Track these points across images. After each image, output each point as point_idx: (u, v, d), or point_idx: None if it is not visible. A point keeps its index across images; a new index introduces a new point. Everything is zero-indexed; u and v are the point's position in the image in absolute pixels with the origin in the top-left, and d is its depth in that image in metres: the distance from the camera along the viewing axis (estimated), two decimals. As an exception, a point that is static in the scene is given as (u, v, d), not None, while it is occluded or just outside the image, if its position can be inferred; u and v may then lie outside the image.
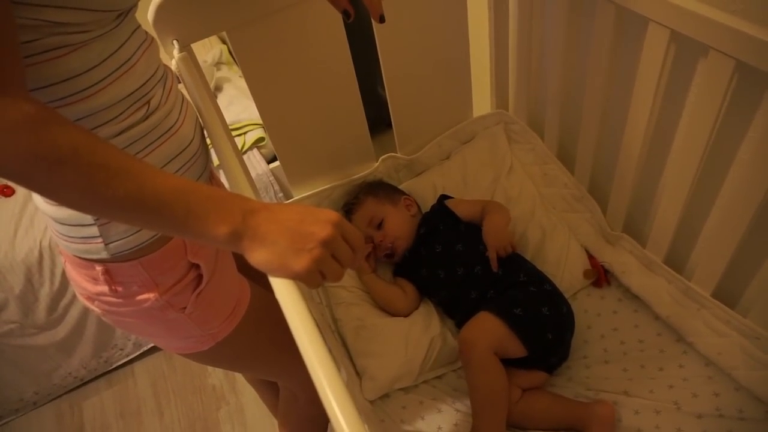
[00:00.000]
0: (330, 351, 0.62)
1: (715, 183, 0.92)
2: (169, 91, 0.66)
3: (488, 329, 0.95)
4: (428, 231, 1.14)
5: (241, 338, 0.77)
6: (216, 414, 1.59)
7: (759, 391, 0.89)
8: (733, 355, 0.93)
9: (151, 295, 0.66)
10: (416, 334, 1.06)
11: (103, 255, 0.63)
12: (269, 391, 1.17)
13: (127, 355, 1.72)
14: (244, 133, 1.67)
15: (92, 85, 0.55)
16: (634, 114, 0.96)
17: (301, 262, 0.51)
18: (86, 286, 0.68)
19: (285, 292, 0.53)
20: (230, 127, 1.68)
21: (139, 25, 0.64)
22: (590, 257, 1.15)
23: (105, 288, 0.66)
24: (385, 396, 1.03)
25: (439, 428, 0.98)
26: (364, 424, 0.44)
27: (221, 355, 0.78)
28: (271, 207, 0.53)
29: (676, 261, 1.06)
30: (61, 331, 1.58)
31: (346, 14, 0.83)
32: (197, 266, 0.69)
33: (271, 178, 1.62)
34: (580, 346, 1.05)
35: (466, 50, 1.25)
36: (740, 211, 0.85)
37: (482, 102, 1.39)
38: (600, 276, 1.12)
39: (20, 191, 1.68)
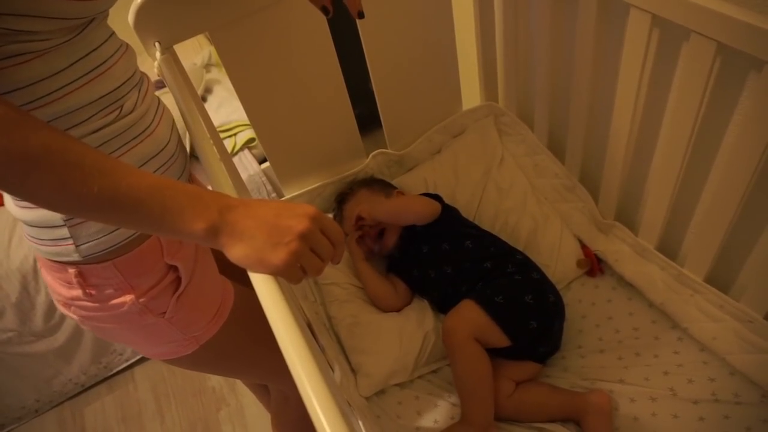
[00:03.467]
0: (315, 347, 0.61)
1: (703, 167, 0.91)
2: (145, 95, 0.66)
3: (468, 317, 0.95)
4: (412, 231, 1.13)
5: (226, 339, 0.76)
6: (216, 415, 1.59)
7: (754, 375, 0.89)
8: (727, 339, 0.93)
9: (127, 299, 0.65)
10: (410, 329, 1.06)
11: (75, 257, 0.62)
12: (266, 392, 1.17)
13: (127, 360, 1.72)
14: (235, 134, 1.67)
15: (59, 89, 0.54)
16: (620, 101, 0.95)
17: (279, 256, 0.51)
18: (61, 291, 0.67)
19: (264, 289, 0.53)
20: (221, 129, 1.68)
21: (114, 32, 0.63)
22: (583, 246, 1.15)
23: (79, 292, 0.65)
24: (381, 392, 1.03)
25: (436, 422, 0.98)
26: (344, 421, 0.44)
27: (206, 358, 0.77)
28: (249, 202, 0.53)
29: (669, 247, 1.05)
30: (60, 337, 1.58)
31: (324, 10, 0.82)
32: (175, 269, 0.68)
33: (263, 178, 1.62)
34: (575, 335, 1.05)
35: (453, 43, 1.25)
36: (729, 195, 0.84)
37: (472, 95, 1.39)
38: (593, 265, 1.12)
39: (14, 200, 1.69)
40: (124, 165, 0.49)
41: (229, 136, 1.67)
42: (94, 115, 0.58)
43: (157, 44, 0.92)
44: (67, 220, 0.60)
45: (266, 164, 1.63)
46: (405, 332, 1.05)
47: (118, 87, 0.60)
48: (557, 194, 1.22)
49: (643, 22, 0.82)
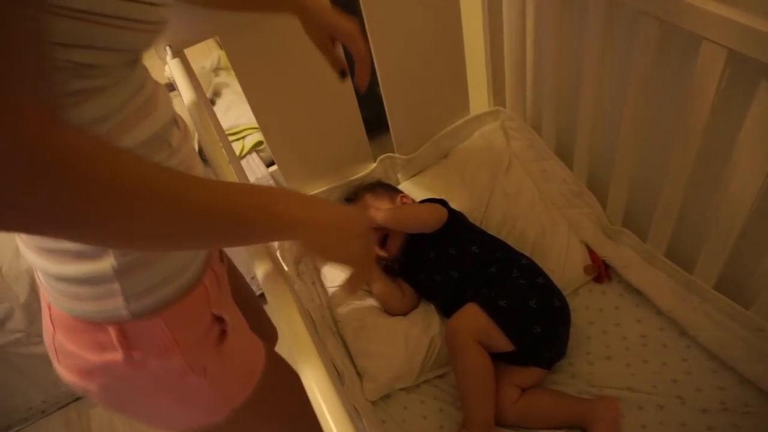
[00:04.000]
0: (323, 351, 0.61)
1: (713, 174, 0.91)
2: (184, 132, 0.63)
3: (471, 319, 0.95)
4: (419, 236, 1.13)
5: (257, 403, 0.69)
6: (222, 418, 1.59)
7: (763, 384, 0.88)
8: (736, 348, 0.92)
9: (171, 357, 0.58)
10: (416, 333, 1.06)
11: (123, 313, 0.55)
12: None
13: (133, 362, 1.72)
14: (243, 138, 1.68)
15: (112, 129, 0.51)
16: (629, 107, 0.95)
17: (357, 247, 0.58)
18: (88, 357, 0.57)
19: (272, 288, 0.53)
20: (229, 132, 1.68)
21: (147, 68, 0.60)
22: (591, 252, 1.15)
23: (117, 355, 0.56)
24: (386, 396, 1.03)
25: (441, 427, 0.97)
26: (353, 425, 0.44)
27: (234, 426, 0.69)
28: (322, 199, 0.58)
29: (677, 254, 1.05)
30: (67, 339, 1.59)
31: (342, 74, 0.86)
32: (219, 320, 0.63)
33: (271, 181, 1.62)
34: (583, 342, 1.04)
35: (461, 48, 1.25)
36: (739, 202, 0.84)
37: (479, 100, 1.39)
38: (601, 271, 1.12)
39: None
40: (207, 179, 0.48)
41: (237, 139, 1.68)
42: (146, 154, 0.52)
43: (167, 48, 0.93)
44: (118, 271, 0.53)
45: (274, 167, 1.63)
46: (411, 336, 1.05)
47: (164, 124, 0.57)
48: (565, 200, 1.22)
49: (653, 28, 0.82)
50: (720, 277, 0.96)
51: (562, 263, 1.12)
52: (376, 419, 0.99)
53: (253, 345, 0.71)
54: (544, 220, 1.18)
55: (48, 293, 0.57)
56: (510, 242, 1.14)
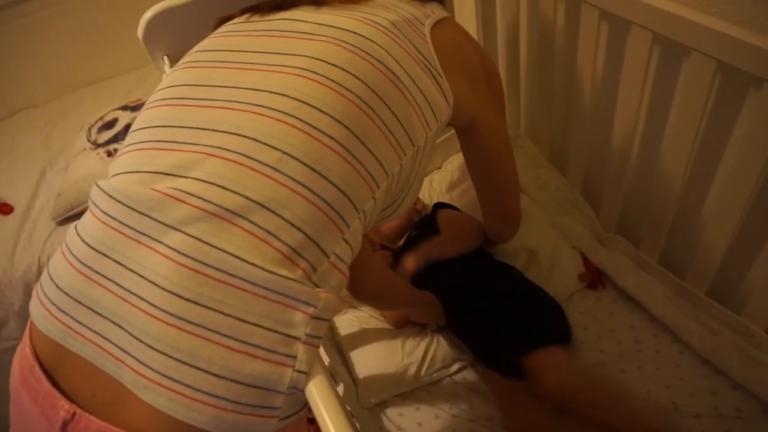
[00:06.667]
0: (322, 359, 0.62)
1: (704, 182, 0.92)
2: None
3: (566, 365, 0.95)
4: (414, 241, 1.13)
5: None
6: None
7: (755, 389, 0.89)
8: (728, 353, 0.93)
9: None
10: (412, 340, 1.06)
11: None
12: None
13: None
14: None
15: None
16: (622, 116, 0.96)
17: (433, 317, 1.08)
18: None
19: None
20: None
21: None
22: (585, 260, 1.16)
23: None
24: (382, 403, 1.03)
25: (437, 434, 0.98)
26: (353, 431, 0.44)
27: None
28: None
29: (670, 261, 1.06)
30: (61, 346, 1.58)
31: None
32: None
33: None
34: (577, 348, 1.05)
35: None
36: (730, 209, 0.85)
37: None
38: (595, 278, 1.12)
39: (18, 209, 1.69)
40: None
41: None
42: None
43: (165, 58, 0.93)
44: (289, 386, 0.48)
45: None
46: (407, 343, 1.06)
47: None
48: (559, 207, 1.23)
49: (644, 39, 0.83)
50: (712, 283, 0.97)
51: (556, 270, 1.13)
52: (374, 426, 0.99)
53: None
54: (539, 227, 1.19)
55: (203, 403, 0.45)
56: (504, 252, 1.15)
